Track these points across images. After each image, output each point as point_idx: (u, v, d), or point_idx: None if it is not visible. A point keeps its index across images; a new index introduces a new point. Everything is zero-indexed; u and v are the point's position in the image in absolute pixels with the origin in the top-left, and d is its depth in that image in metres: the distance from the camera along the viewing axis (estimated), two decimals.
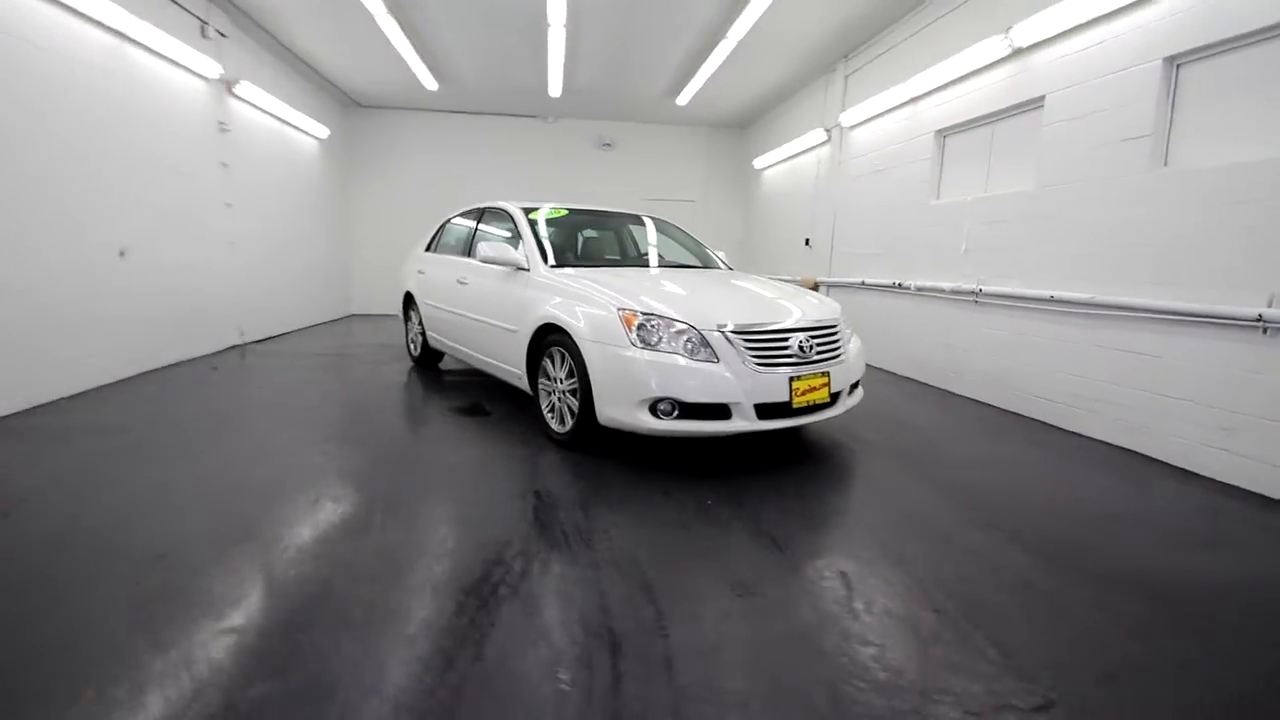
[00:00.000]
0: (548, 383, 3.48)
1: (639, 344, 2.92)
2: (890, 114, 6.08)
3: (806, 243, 8.00)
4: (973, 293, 4.87)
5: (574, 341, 3.16)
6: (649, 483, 2.89)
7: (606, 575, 2.04)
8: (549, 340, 3.42)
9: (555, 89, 8.09)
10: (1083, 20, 3.87)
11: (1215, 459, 3.17)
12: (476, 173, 10.00)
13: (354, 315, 9.93)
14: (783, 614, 1.86)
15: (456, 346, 4.69)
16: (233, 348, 6.25)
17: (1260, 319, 2.91)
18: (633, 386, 2.89)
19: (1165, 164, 3.51)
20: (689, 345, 2.91)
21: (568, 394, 3.30)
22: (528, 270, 3.76)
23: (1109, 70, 3.75)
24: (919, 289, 5.54)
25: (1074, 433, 3.98)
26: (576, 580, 2.01)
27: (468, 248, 4.74)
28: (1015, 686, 1.56)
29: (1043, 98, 4.27)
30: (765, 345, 3.00)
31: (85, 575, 1.96)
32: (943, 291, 5.21)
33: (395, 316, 9.87)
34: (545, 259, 3.78)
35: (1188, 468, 3.29)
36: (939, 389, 5.30)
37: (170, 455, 3.11)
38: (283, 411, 4.08)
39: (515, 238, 4.16)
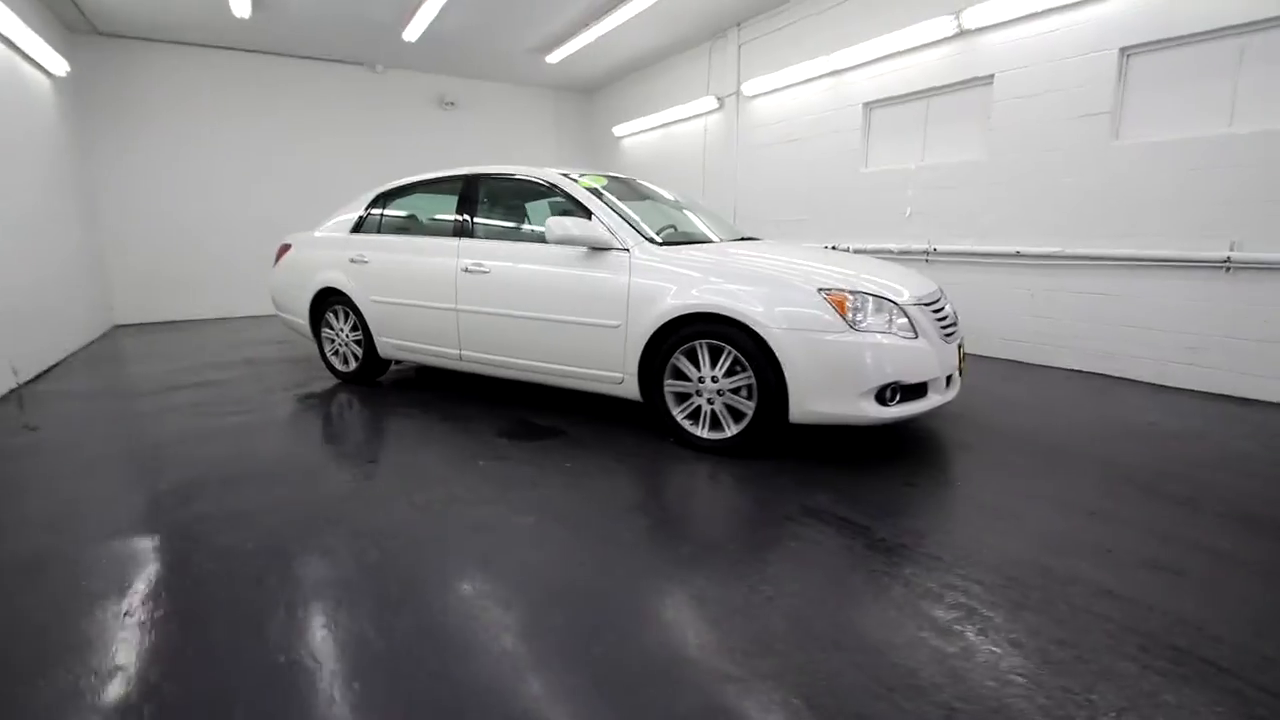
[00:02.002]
0: (682, 383, 2.97)
1: (854, 328, 2.63)
2: (806, 85, 6.33)
3: None
4: (924, 252, 5.43)
5: (747, 330, 2.72)
6: (870, 478, 2.66)
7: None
8: (685, 333, 2.90)
9: (415, 32, 6.72)
10: (1039, 9, 4.45)
11: (1184, 373, 4.05)
12: (284, 130, 7.95)
13: (122, 326, 7.24)
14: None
15: (468, 354, 3.71)
16: (10, 394, 4.08)
17: (1228, 260, 3.76)
18: (856, 375, 2.61)
19: (1117, 137, 4.27)
20: (896, 323, 2.71)
21: (727, 393, 2.86)
22: (623, 251, 3.11)
23: (1066, 55, 4.38)
24: (858, 251, 5.98)
25: (1043, 365, 4.73)
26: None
27: (464, 227, 3.75)
28: None
29: (991, 76, 4.84)
30: (939, 316, 2.95)
31: None
32: (890, 253, 5.69)
33: (183, 324, 7.56)
34: (649, 238, 3.16)
35: (1159, 382, 4.15)
36: None
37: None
38: (260, 489, 2.80)
39: (556, 211, 3.45)
